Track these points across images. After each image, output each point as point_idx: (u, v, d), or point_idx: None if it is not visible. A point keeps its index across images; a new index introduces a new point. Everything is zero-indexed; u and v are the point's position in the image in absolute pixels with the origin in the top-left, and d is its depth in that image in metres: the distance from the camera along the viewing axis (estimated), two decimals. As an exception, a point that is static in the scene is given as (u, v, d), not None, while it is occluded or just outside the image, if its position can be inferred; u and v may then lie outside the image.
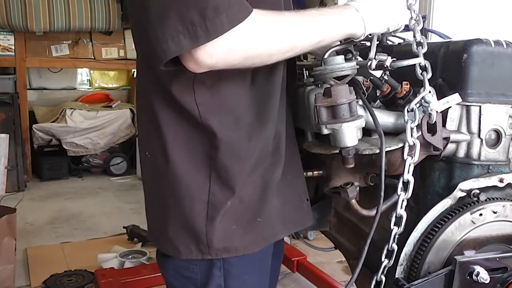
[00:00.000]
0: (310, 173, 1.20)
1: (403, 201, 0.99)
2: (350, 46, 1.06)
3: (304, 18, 0.94)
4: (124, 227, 3.29)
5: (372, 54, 0.97)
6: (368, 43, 1.01)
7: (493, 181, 1.05)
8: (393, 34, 1.08)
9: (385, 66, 0.96)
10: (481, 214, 1.03)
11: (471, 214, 1.02)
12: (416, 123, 0.96)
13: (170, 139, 0.98)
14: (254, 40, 0.86)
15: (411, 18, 1.01)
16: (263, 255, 1.07)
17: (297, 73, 1.22)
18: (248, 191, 1.00)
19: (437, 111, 0.98)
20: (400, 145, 0.97)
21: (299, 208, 1.13)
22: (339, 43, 1.05)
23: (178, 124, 0.98)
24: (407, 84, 1.04)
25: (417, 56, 0.98)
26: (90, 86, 5.79)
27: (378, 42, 1.01)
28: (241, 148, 0.98)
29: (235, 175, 0.97)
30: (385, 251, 1.02)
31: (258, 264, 1.08)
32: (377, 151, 0.97)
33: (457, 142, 1.06)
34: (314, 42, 0.95)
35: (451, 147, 1.06)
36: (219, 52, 0.83)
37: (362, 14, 0.98)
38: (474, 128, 1.06)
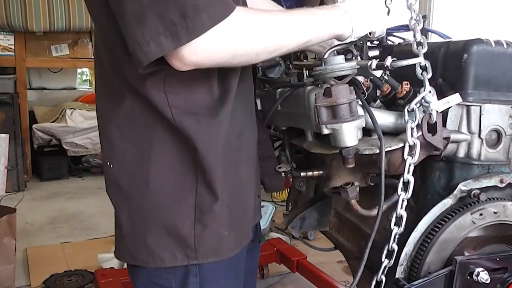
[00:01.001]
0: (310, 173, 1.20)
1: (403, 201, 0.99)
2: (351, 46, 1.06)
3: (291, 17, 0.93)
4: (124, 227, 3.28)
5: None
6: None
7: (493, 181, 1.05)
8: (374, 38, 1.07)
9: (385, 66, 0.95)
10: (481, 214, 1.03)
11: (471, 214, 1.02)
12: (416, 123, 0.96)
13: (150, 144, 0.93)
14: (239, 38, 0.84)
15: (411, 18, 1.01)
16: (238, 255, 1.04)
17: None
18: (229, 192, 0.98)
19: (437, 111, 0.97)
20: (400, 145, 0.97)
21: (256, 202, 1.13)
22: (337, 42, 1.05)
23: (157, 127, 0.93)
24: (407, 84, 1.04)
25: (417, 56, 0.98)
26: (90, 86, 5.80)
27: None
28: (216, 150, 0.95)
29: (216, 177, 0.95)
30: (385, 251, 1.02)
31: (234, 265, 1.05)
32: (377, 151, 0.97)
33: (458, 142, 1.06)
34: (301, 42, 0.94)
35: (451, 147, 1.05)
36: (203, 49, 0.81)
37: (351, 16, 0.99)
38: (475, 128, 1.06)
